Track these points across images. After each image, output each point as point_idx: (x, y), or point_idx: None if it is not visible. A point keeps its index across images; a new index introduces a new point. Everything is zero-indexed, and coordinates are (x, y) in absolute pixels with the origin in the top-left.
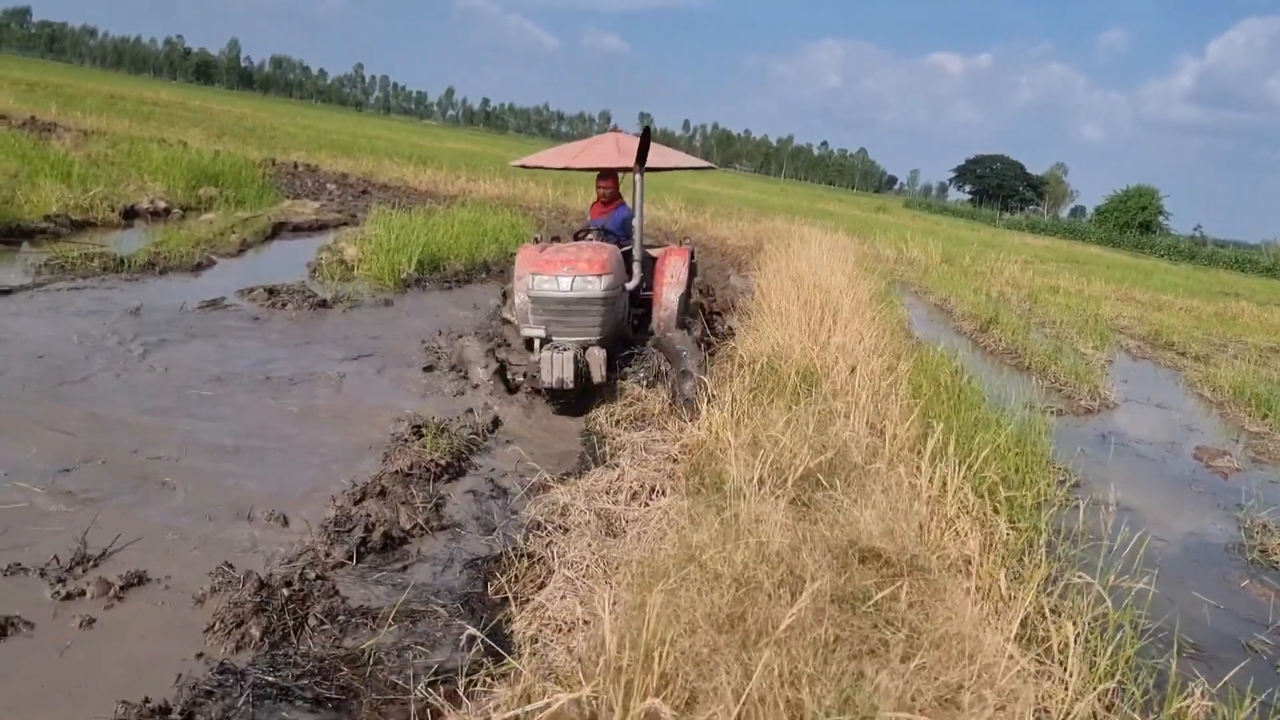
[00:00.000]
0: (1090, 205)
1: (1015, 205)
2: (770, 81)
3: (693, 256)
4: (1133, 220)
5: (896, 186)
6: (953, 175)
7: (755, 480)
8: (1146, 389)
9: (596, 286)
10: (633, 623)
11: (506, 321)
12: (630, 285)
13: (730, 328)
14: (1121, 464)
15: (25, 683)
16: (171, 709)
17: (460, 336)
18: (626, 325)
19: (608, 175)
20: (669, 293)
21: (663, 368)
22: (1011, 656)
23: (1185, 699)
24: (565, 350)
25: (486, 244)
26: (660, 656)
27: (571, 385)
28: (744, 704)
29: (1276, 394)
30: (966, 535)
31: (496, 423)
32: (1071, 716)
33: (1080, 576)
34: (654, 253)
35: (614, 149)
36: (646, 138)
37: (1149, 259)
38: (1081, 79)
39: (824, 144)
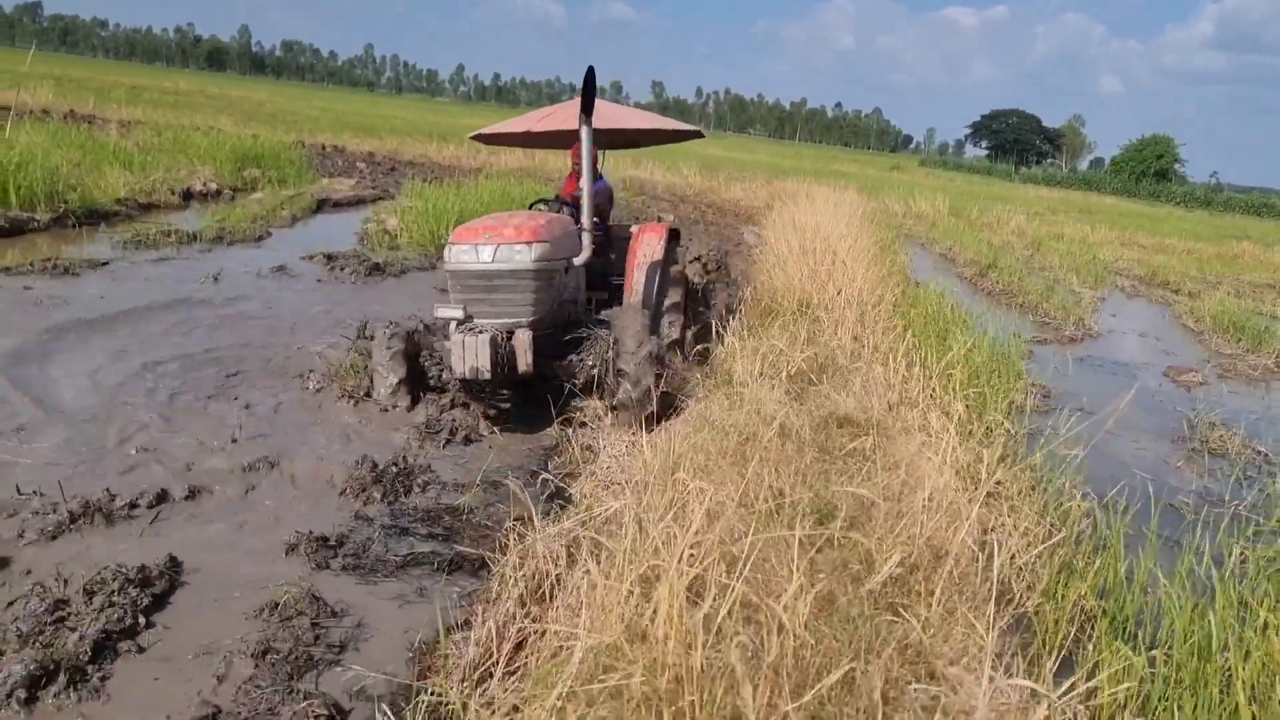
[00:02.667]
0: (1109, 157)
1: (1032, 159)
2: (782, 44)
3: (676, 237)
4: (1148, 169)
5: (912, 145)
6: (968, 131)
7: (756, 374)
8: (1133, 322)
9: (525, 257)
10: (665, 463)
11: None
12: (579, 260)
13: (737, 278)
14: (1093, 380)
15: (219, 526)
16: (329, 538)
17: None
18: (579, 309)
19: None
20: (640, 275)
21: (610, 355)
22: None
23: (1070, 502)
24: (481, 333)
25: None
26: (683, 466)
27: (488, 375)
28: (743, 491)
29: (1252, 321)
30: (926, 410)
31: None
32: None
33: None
34: (634, 230)
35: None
36: (591, 80)
37: (1163, 207)
38: (1099, 28)
39: (838, 106)
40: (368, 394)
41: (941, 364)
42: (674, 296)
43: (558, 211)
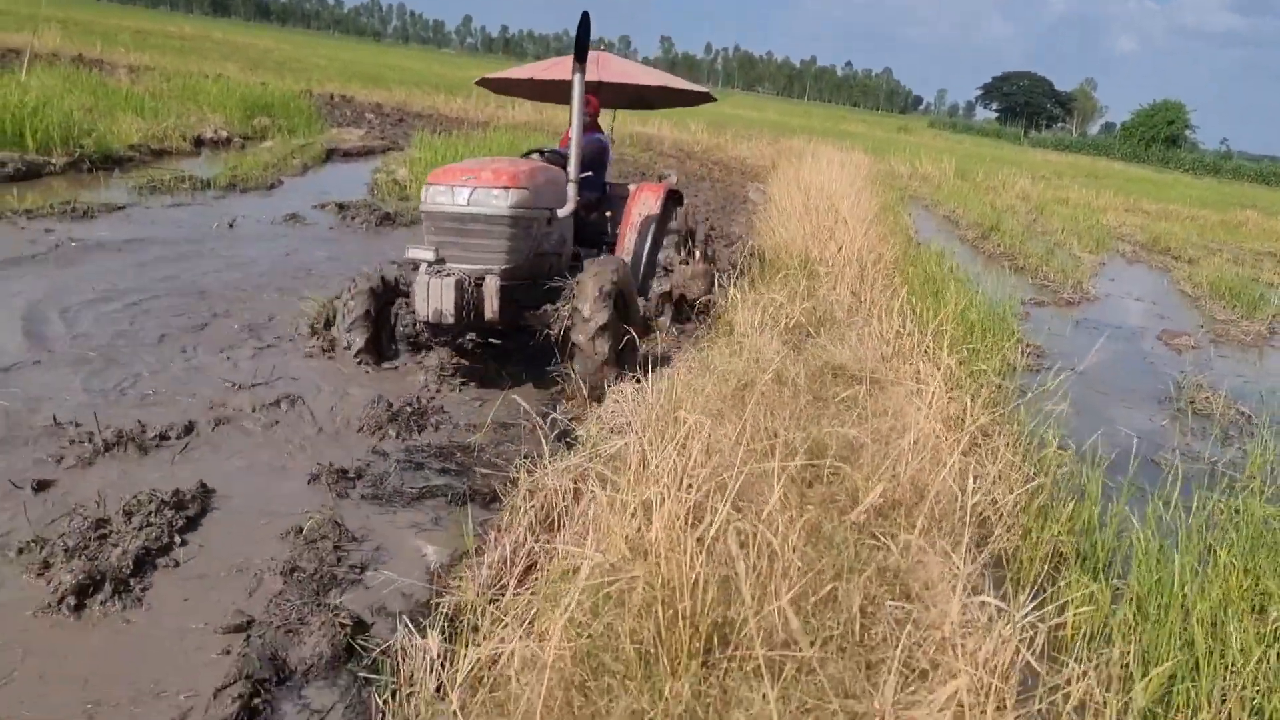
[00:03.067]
0: (1120, 122)
1: (1043, 123)
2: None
3: (679, 198)
4: (1158, 135)
5: (922, 107)
6: (979, 94)
7: (756, 325)
8: (1132, 286)
9: (501, 202)
10: (667, 404)
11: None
12: (563, 211)
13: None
14: (1087, 342)
15: (242, 457)
16: (349, 470)
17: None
18: (563, 262)
19: (589, 97)
20: (632, 234)
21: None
22: (926, 416)
23: (1049, 449)
24: (448, 275)
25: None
26: (684, 408)
27: (451, 320)
28: (740, 430)
29: (1248, 288)
30: (918, 364)
31: None
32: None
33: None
34: (632, 188)
35: (591, 64)
36: (585, 26)
37: (1172, 174)
38: None
39: (848, 65)
40: (329, 326)
41: (936, 320)
42: (666, 250)
43: (552, 162)
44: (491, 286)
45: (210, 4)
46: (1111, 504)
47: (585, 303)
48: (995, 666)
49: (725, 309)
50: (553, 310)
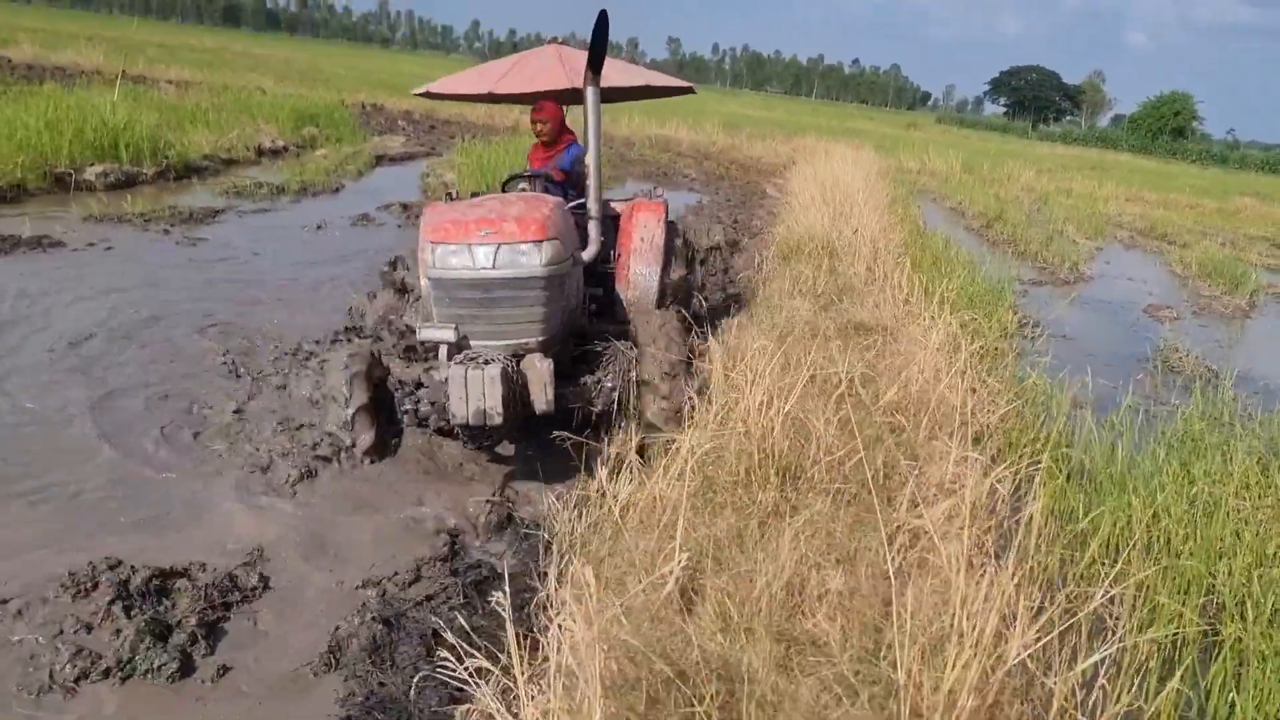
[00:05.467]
0: (1129, 115)
1: (1051, 116)
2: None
3: (667, 214)
4: (1165, 126)
5: (931, 102)
6: (987, 88)
7: (789, 291)
8: (1126, 269)
9: (534, 260)
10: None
11: (410, 330)
12: (587, 256)
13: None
14: (1077, 313)
15: None
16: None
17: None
18: (582, 315)
19: (546, 103)
20: (639, 266)
21: (634, 374)
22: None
23: (1027, 378)
24: (489, 363)
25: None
26: (744, 343)
27: (500, 420)
28: (787, 361)
29: (1233, 268)
30: (922, 319)
31: None
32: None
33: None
34: (616, 207)
35: (556, 64)
36: (604, 25)
37: (1178, 164)
38: None
39: (855, 62)
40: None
41: (940, 290)
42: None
43: (547, 191)
44: (543, 371)
45: (221, 16)
46: (1080, 426)
47: (655, 373)
48: (976, 498)
49: (761, 282)
50: (593, 383)
